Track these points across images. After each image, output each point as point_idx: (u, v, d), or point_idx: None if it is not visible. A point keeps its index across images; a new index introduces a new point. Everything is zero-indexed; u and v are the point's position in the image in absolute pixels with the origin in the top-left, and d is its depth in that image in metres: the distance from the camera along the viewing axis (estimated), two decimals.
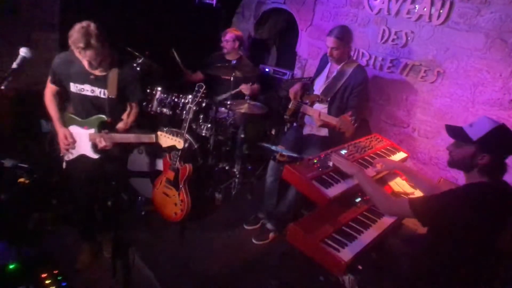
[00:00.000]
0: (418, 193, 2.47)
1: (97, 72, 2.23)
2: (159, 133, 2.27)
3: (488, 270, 1.63)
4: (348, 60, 2.75)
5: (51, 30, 3.32)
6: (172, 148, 2.40)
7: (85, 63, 2.13)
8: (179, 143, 2.27)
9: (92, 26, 2.03)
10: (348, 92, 2.69)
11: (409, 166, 2.36)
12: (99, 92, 2.28)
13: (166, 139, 2.27)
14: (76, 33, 2.01)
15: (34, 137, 3.15)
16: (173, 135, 2.27)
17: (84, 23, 2.03)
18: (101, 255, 2.56)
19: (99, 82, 2.25)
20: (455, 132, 1.68)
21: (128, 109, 2.42)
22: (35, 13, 3.22)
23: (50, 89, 2.35)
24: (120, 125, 2.36)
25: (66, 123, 2.35)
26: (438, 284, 1.61)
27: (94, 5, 3.32)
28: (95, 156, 2.32)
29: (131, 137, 2.32)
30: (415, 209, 1.63)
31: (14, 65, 1.93)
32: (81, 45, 1.99)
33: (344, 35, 2.63)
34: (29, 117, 3.19)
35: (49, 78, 2.32)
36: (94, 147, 2.30)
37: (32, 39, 3.19)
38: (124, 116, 2.41)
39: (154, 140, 2.27)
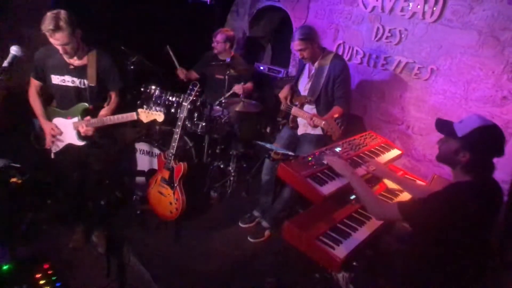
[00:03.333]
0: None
1: (76, 62, 2.28)
2: (139, 110, 2.35)
3: (478, 267, 1.64)
4: (323, 54, 2.71)
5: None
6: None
7: (60, 50, 2.17)
8: (159, 116, 2.37)
9: (62, 11, 2.10)
10: (331, 85, 2.65)
11: (400, 176, 2.34)
12: (79, 82, 2.33)
13: (146, 115, 2.36)
14: (47, 18, 2.07)
15: (27, 137, 3.12)
16: (153, 110, 2.35)
17: (54, 10, 2.10)
18: (95, 252, 2.55)
19: (79, 72, 2.31)
20: (444, 125, 1.67)
21: (109, 98, 2.48)
22: (27, 10, 3.18)
23: (34, 87, 2.40)
24: (102, 112, 2.40)
25: (50, 117, 2.41)
26: (431, 282, 1.62)
27: (87, 2, 3.29)
28: (81, 143, 2.40)
29: (113, 119, 2.37)
30: (404, 213, 1.62)
31: (5, 64, 1.92)
32: (51, 27, 2.04)
33: (306, 35, 2.59)
34: (22, 116, 3.15)
35: (32, 74, 2.36)
36: (79, 134, 2.37)
37: (24, 37, 3.15)
38: (106, 105, 2.46)
39: (135, 118, 2.35)
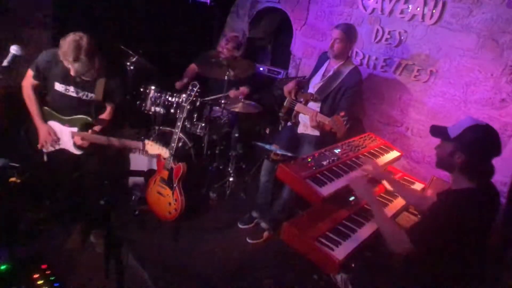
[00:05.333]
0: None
1: (84, 77, 2.25)
2: (146, 141, 2.34)
3: (478, 268, 1.64)
4: (346, 61, 2.76)
5: (43, 28, 3.28)
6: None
7: (72, 72, 2.14)
8: (165, 153, 2.36)
9: (85, 40, 2.04)
10: (341, 93, 2.69)
11: (397, 179, 2.31)
12: (82, 94, 2.32)
13: (153, 148, 2.35)
14: (67, 44, 2.02)
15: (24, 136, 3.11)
16: (159, 145, 2.35)
17: (77, 36, 2.04)
18: (94, 252, 2.54)
19: (86, 85, 2.29)
20: (438, 130, 1.67)
21: (107, 108, 2.47)
22: (27, 10, 3.18)
23: (30, 83, 2.34)
24: (96, 127, 2.39)
25: (45, 118, 2.37)
26: (430, 283, 1.62)
27: (87, 3, 3.29)
28: (78, 152, 2.38)
29: (119, 142, 2.36)
30: (414, 241, 1.55)
31: (5, 63, 1.92)
32: (70, 59, 2.02)
33: (350, 31, 2.68)
34: (22, 115, 3.15)
35: (32, 74, 2.31)
36: (76, 144, 2.36)
37: (24, 37, 3.15)
38: (101, 116, 2.44)
39: (141, 147, 2.34)
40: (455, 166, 1.59)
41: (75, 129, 2.34)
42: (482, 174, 1.58)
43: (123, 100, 2.64)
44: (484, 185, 1.59)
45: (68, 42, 2.01)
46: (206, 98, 3.35)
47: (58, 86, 2.28)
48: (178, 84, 3.66)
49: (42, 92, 2.41)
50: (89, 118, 2.33)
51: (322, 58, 2.93)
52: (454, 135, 1.57)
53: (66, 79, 2.25)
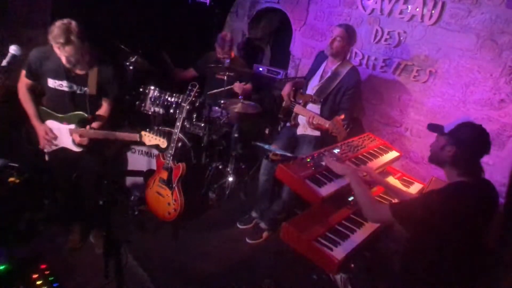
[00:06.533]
0: (410, 191, 2.50)
1: (77, 70, 2.25)
2: (142, 132, 2.34)
3: (474, 266, 1.65)
4: (343, 61, 2.77)
5: (42, 28, 3.28)
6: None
7: (63, 60, 2.14)
8: (162, 143, 2.35)
9: (73, 23, 2.06)
10: (341, 94, 2.70)
11: (390, 184, 2.30)
12: (76, 88, 2.31)
13: (150, 138, 2.35)
14: (56, 28, 2.03)
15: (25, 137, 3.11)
16: (156, 135, 2.34)
17: (65, 20, 2.06)
18: (93, 252, 2.54)
19: (79, 79, 2.28)
20: (435, 126, 1.74)
21: (103, 105, 2.45)
22: (26, 11, 3.18)
23: (24, 84, 2.34)
24: (94, 125, 2.37)
25: (42, 118, 2.36)
26: (429, 283, 1.63)
27: (86, 3, 3.29)
28: (77, 149, 2.37)
29: (115, 135, 2.35)
30: (396, 214, 1.62)
31: (4, 63, 1.92)
32: (61, 40, 2.01)
33: (349, 31, 2.70)
34: (21, 116, 3.15)
35: (24, 73, 2.31)
36: (75, 141, 2.36)
37: (23, 37, 3.15)
38: (99, 113, 2.43)
39: (138, 139, 2.33)
40: (446, 160, 1.64)
41: (72, 126, 2.33)
42: (472, 171, 1.62)
43: (120, 97, 2.63)
44: (478, 181, 1.63)
45: (57, 26, 2.03)
46: (211, 92, 3.34)
47: (51, 82, 2.27)
48: (178, 72, 3.71)
49: (39, 91, 2.40)
50: (84, 113, 2.32)
51: (319, 58, 2.93)
52: (448, 130, 1.65)
53: (59, 74, 2.24)
